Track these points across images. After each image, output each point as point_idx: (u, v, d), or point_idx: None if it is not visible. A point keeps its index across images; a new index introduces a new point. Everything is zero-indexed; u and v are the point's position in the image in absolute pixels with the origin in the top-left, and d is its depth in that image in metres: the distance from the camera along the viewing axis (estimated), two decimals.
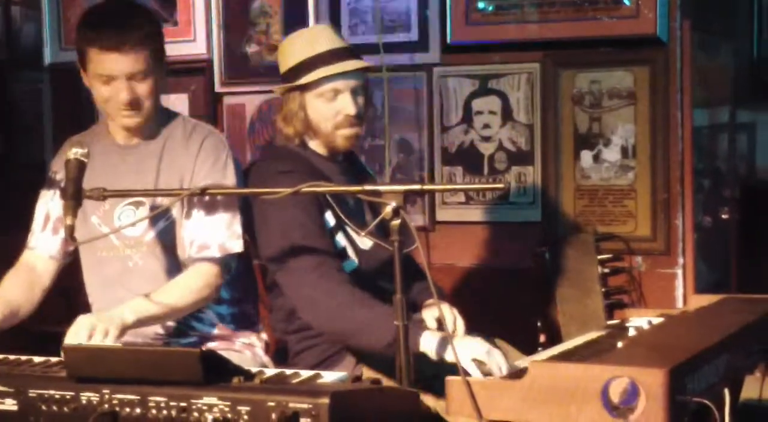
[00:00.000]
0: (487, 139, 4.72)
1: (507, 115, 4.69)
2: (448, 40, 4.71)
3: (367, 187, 2.85)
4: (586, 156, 4.55)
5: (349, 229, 3.33)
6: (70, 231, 2.90)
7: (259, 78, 4.98)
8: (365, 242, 3.37)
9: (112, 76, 3.22)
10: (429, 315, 3.30)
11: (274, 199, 3.05)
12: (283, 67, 3.45)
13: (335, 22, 4.79)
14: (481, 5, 4.64)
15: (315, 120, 3.40)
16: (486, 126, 4.72)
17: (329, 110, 3.38)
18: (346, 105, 3.38)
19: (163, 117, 3.42)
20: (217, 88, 5.11)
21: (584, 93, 4.55)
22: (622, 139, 4.50)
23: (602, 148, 4.53)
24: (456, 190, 4.73)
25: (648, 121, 4.46)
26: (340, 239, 3.34)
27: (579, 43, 4.54)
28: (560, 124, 4.59)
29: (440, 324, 3.15)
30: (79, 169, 2.97)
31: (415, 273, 3.57)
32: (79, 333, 2.88)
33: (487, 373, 2.80)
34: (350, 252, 3.36)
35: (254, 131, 5.04)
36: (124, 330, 2.98)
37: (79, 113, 4.94)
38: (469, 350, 2.87)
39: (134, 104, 3.25)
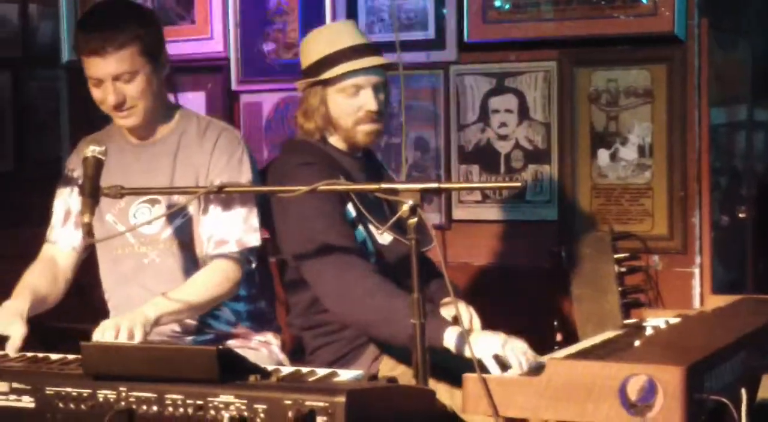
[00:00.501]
0: (503, 137, 4.71)
1: (524, 113, 4.68)
2: (465, 38, 4.70)
3: (384, 185, 2.84)
4: (603, 154, 4.54)
5: (368, 224, 3.33)
6: (88, 228, 2.90)
7: (276, 76, 4.98)
8: (385, 237, 3.36)
9: (99, 78, 3.23)
10: (446, 313, 3.29)
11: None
12: (305, 62, 3.46)
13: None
14: (497, 3, 4.63)
15: (336, 115, 3.40)
16: (503, 124, 4.71)
17: (350, 106, 3.38)
18: (368, 101, 3.38)
19: (169, 113, 3.42)
20: (234, 87, 5.11)
21: (601, 91, 4.54)
22: (639, 137, 4.48)
23: (619, 147, 4.51)
24: (472, 188, 4.72)
25: (665, 119, 4.44)
26: (360, 233, 3.34)
27: (596, 41, 4.52)
28: (577, 122, 4.58)
29: (457, 322, 3.15)
30: (96, 166, 2.97)
31: (431, 272, 3.57)
32: (105, 333, 2.89)
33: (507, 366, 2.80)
34: (369, 246, 3.36)
35: (271, 129, 5.04)
36: (148, 326, 2.98)
37: (94, 111, 4.95)
38: (488, 346, 2.86)
39: (122, 106, 3.26)
